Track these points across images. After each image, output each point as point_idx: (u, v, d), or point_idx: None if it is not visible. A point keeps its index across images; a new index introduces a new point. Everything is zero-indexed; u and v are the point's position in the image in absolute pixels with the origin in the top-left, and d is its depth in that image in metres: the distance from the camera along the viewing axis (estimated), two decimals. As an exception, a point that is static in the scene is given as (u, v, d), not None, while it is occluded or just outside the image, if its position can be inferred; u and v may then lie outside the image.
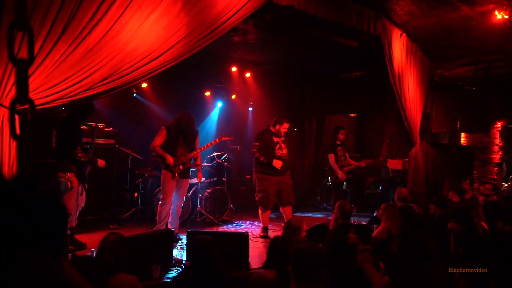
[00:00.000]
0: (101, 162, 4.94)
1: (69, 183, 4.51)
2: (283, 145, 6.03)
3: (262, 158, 5.86)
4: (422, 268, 2.39)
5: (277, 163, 5.85)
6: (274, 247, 2.87)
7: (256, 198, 6.01)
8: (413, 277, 2.40)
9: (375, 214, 6.59)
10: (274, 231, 6.34)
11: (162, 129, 5.36)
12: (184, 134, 5.37)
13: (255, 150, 5.94)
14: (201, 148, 5.58)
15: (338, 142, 7.08)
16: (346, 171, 7.02)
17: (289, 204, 6.14)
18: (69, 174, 4.53)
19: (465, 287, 3.40)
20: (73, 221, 4.80)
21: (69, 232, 4.63)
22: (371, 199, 8.74)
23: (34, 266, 0.98)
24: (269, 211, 6.04)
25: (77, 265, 2.28)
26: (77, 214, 4.88)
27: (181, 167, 5.32)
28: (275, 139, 6.00)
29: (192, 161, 5.56)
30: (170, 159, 5.25)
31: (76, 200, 4.61)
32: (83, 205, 4.88)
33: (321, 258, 2.20)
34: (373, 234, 4.52)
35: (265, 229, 6.04)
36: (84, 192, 4.85)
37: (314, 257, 2.18)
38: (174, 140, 5.33)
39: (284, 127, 5.99)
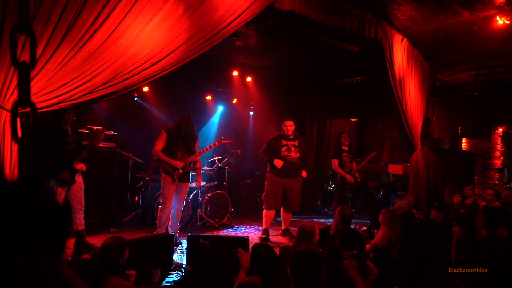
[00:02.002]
0: (77, 165, 4.83)
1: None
2: (292, 148, 6.06)
3: (266, 158, 6.09)
4: (428, 275, 2.38)
5: (278, 163, 5.93)
6: (257, 254, 2.86)
7: (262, 197, 6.22)
8: (419, 285, 2.40)
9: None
10: (274, 236, 6.33)
11: (162, 133, 5.37)
12: (183, 138, 5.37)
13: (262, 150, 6.20)
14: (200, 152, 5.59)
15: (344, 148, 6.98)
16: (356, 170, 6.90)
17: (290, 211, 6.17)
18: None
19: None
20: (79, 225, 4.89)
21: None
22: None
23: (33, 268, 0.98)
24: (272, 212, 6.06)
25: (76, 267, 2.28)
26: (80, 217, 4.93)
27: (180, 171, 5.32)
28: (284, 142, 6.09)
29: (192, 165, 5.57)
30: (178, 163, 5.27)
31: None
32: (80, 207, 4.93)
33: (320, 261, 2.22)
34: (373, 241, 4.51)
35: (265, 231, 6.08)
36: (76, 192, 4.86)
37: (313, 259, 2.20)
38: (173, 144, 5.33)
39: (285, 125, 6.09)
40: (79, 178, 4.91)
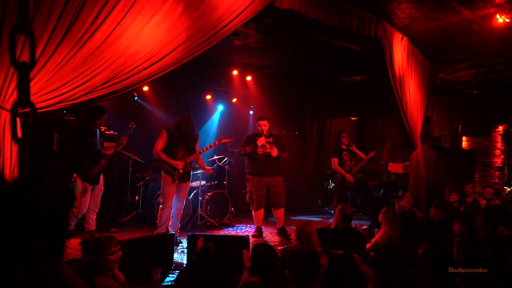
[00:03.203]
0: (107, 150, 4.98)
1: (71, 184, 4.66)
2: (267, 145, 6.06)
3: (242, 151, 6.05)
4: (403, 275, 2.36)
5: (246, 149, 5.95)
6: (257, 254, 2.87)
7: (247, 199, 6.24)
8: (394, 285, 2.39)
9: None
10: (275, 235, 6.34)
11: (163, 133, 5.37)
12: (184, 138, 5.37)
13: (240, 146, 6.15)
14: (200, 151, 5.58)
15: (343, 147, 6.96)
16: (356, 171, 6.86)
17: (278, 207, 6.13)
18: (74, 175, 4.71)
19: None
20: (91, 225, 4.96)
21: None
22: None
23: (33, 268, 0.98)
24: (260, 211, 6.10)
25: (75, 268, 2.28)
26: (93, 217, 4.99)
27: (181, 171, 5.32)
28: (258, 138, 6.10)
29: (193, 164, 5.58)
30: (178, 163, 5.28)
31: (80, 200, 4.69)
32: (95, 209, 5.00)
33: (315, 259, 2.24)
34: (373, 239, 4.51)
35: (258, 229, 6.13)
36: (96, 194, 4.95)
37: (308, 258, 2.21)
38: (174, 144, 5.34)
39: (259, 125, 6.11)
40: (101, 181, 5.03)
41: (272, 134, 6.24)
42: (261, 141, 6.02)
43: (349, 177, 6.75)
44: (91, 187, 4.86)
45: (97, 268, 2.70)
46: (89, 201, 4.91)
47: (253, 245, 3.11)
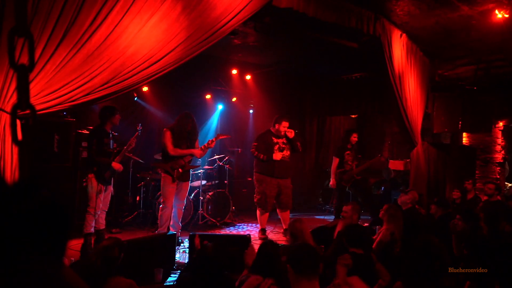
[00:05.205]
0: (115, 165, 4.99)
1: (84, 183, 4.74)
2: (284, 146, 5.98)
3: (261, 156, 5.86)
4: (431, 268, 2.38)
5: (277, 155, 5.81)
6: (264, 251, 2.87)
7: (255, 200, 6.03)
8: (422, 279, 2.40)
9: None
10: (276, 233, 6.35)
11: (166, 132, 5.36)
12: (189, 136, 5.41)
13: (253, 149, 5.97)
14: (201, 147, 5.54)
15: (348, 146, 6.88)
16: (356, 173, 6.80)
17: (287, 209, 6.10)
18: (89, 175, 4.72)
19: (471, 288, 3.37)
20: (101, 224, 4.95)
21: (93, 230, 4.77)
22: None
23: (34, 271, 0.99)
24: (267, 214, 6.04)
25: (77, 269, 2.28)
26: (103, 216, 4.99)
27: (180, 170, 5.32)
28: (275, 139, 5.98)
29: (193, 163, 5.59)
30: (197, 152, 5.37)
31: (95, 199, 4.72)
32: (105, 208, 5.00)
33: (315, 252, 2.31)
34: (378, 238, 4.49)
35: (263, 231, 6.06)
36: (106, 194, 4.97)
37: (309, 251, 2.29)
38: (177, 142, 5.35)
39: (283, 126, 5.93)
40: (112, 181, 5.09)
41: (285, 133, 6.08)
42: (278, 156, 5.85)
43: (332, 182, 6.75)
44: (104, 187, 4.88)
45: (112, 270, 2.71)
46: (101, 201, 4.93)
47: (262, 242, 3.14)
